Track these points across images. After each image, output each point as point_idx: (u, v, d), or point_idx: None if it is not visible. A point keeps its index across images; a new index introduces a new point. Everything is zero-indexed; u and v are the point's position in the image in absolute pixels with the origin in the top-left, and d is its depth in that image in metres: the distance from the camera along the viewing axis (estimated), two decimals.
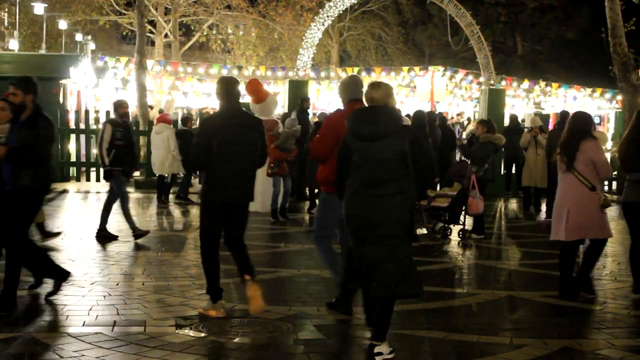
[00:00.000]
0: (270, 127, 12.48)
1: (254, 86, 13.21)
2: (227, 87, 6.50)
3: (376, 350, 5.44)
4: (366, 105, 5.76)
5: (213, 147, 6.30)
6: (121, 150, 10.29)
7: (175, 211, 14.12)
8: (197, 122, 18.17)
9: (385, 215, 5.30)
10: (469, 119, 29.69)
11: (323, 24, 31.56)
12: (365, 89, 5.88)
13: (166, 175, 15.03)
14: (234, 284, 7.85)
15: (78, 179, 18.06)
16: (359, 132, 5.46)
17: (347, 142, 5.53)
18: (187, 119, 16.05)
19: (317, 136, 6.61)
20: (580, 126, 7.60)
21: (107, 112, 19.30)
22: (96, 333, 5.88)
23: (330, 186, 6.17)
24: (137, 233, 10.28)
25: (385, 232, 5.30)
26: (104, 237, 10.23)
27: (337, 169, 5.64)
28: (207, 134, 6.36)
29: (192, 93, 29.85)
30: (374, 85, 5.71)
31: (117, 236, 10.30)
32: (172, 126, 15.13)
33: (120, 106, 10.71)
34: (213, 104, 29.55)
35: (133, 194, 16.15)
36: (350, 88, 6.57)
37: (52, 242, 10.00)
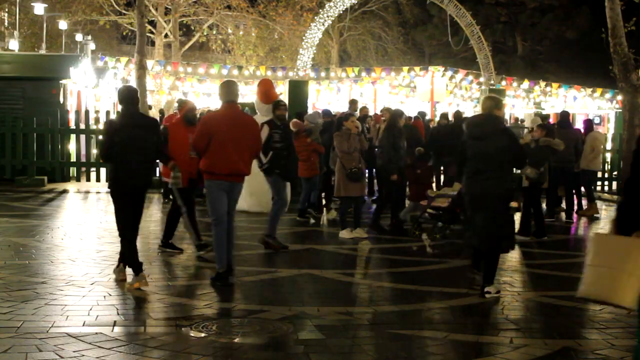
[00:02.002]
0: (301, 127, 12.60)
1: (266, 87, 13.23)
2: (128, 94, 7.64)
3: (486, 289, 7.39)
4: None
5: (115, 144, 7.40)
6: (279, 153, 9.92)
7: None
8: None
9: (488, 192, 7.25)
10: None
11: (323, 24, 31.60)
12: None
13: None
14: (235, 284, 7.85)
15: (78, 179, 18.06)
16: (471, 133, 7.39)
17: (464, 141, 7.54)
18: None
19: (196, 133, 7.93)
20: None
21: (107, 112, 19.30)
22: (96, 333, 5.88)
23: (209, 174, 7.70)
24: (270, 240, 9.98)
25: (488, 204, 7.26)
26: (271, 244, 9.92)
27: (457, 161, 7.71)
28: (110, 133, 7.55)
29: (192, 93, 29.85)
30: (486, 99, 7.76)
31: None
32: None
33: (277, 107, 10.26)
34: (213, 104, 29.56)
35: None
36: (227, 91, 7.91)
37: (52, 243, 10.01)
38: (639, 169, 4.08)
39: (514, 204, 7.91)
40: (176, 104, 9.36)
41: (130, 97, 7.59)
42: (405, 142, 11.85)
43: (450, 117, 16.59)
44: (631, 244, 3.85)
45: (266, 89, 13.12)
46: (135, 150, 7.43)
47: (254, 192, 12.85)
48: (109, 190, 7.85)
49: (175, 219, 9.56)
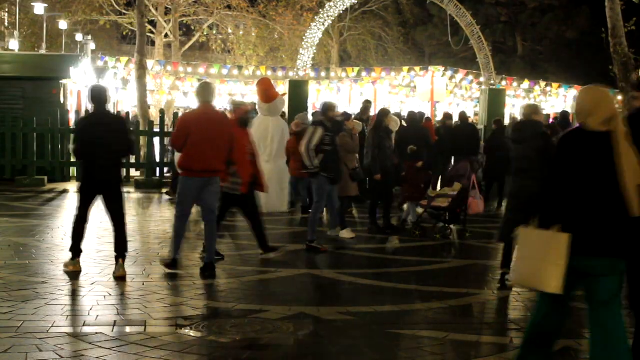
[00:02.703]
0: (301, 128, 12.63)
1: (265, 86, 13.25)
2: (98, 94, 8.14)
3: (507, 277, 7.86)
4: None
5: (84, 141, 7.97)
6: (330, 156, 9.93)
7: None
8: None
9: (531, 190, 7.37)
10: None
11: (323, 24, 31.58)
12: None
13: None
14: (235, 284, 7.85)
15: (78, 179, 18.05)
16: (513, 137, 8.08)
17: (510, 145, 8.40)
18: None
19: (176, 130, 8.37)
20: None
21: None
22: (96, 333, 5.88)
23: (186, 171, 8.07)
24: (313, 244, 9.89)
25: (526, 200, 7.42)
26: (313, 248, 9.85)
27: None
28: (79, 131, 8.20)
29: (192, 93, 29.84)
30: (526, 106, 8.61)
31: (325, 249, 9.86)
32: None
33: (329, 109, 10.20)
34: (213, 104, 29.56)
35: (133, 194, 16.17)
36: (204, 92, 8.31)
37: (53, 242, 10.01)
38: (556, 169, 4.55)
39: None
40: (229, 106, 9.06)
41: (99, 97, 8.07)
42: (392, 142, 11.81)
43: (456, 118, 16.61)
44: (551, 237, 4.36)
45: (265, 88, 13.15)
46: (103, 148, 7.88)
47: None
48: (78, 185, 8.45)
49: (259, 224, 9.25)
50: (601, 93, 4.59)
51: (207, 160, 7.97)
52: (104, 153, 7.90)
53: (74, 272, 8.05)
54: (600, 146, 4.40)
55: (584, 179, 4.42)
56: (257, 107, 13.08)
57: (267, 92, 13.06)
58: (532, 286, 4.56)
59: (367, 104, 15.69)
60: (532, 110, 8.24)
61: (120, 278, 7.84)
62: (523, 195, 7.66)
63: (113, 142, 7.97)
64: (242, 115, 9.10)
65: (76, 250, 8.22)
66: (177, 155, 8.73)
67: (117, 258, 8.07)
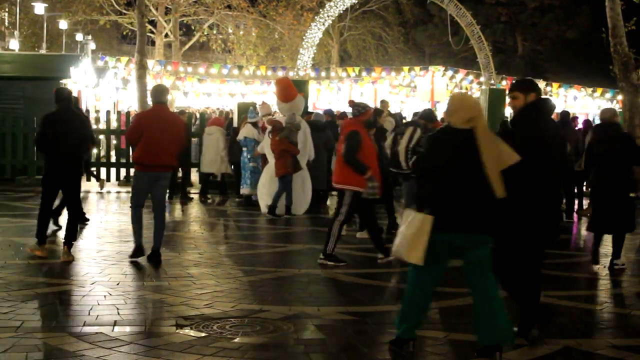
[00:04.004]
0: (276, 125, 12.54)
1: (284, 85, 13.21)
2: (62, 94, 8.98)
3: (614, 262, 8.98)
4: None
5: (49, 136, 8.61)
6: None
7: (191, 210, 14.13)
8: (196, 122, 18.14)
9: (613, 185, 8.78)
10: None
11: (323, 24, 31.60)
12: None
13: (215, 173, 15.51)
14: (235, 284, 7.86)
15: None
16: (597, 137, 8.98)
17: (590, 144, 9.30)
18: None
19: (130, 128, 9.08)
20: None
21: (108, 112, 19.30)
22: (96, 333, 5.88)
23: (139, 166, 8.71)
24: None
25: (613, 194, 8.82)
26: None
27: (585, 161, 9.26)
28: (44, 126, 8.71)
29: (192, 93, 29.87)
30: (605, 110, 9.46)
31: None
32: (222, 128, 15.57)
33: (431, 121, 10.40)
34: (213, 104, 29.57)
35: None
36: (156, 94, 8.91)
37: (53, 242, 10.00)
38: (428, 162, 5.41)
39: (632, 194, 9.03)
40: (354, 110, 8.99)
41: (64, 97, 8.95)
42: (389, 141, 11.78)
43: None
44: (420, 218, 5.24)
45: (284, 88, 13.08)
46: (66, 142, 8.66)
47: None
48: (42, 177, 9.05)
49: (376, 229, 9.25)
50: (463, 97, 5.59)
51: (157, 155, 8.61)
52: (67, 146, 8.67)
53: (68, 263, 8.05)
54: (465, 141, 5.21)
55: (453, 169, 5.22)
56: (277, 107, 13.07)
57: (286, 91, 13.01)
58: (401, 257, 5.39)
59: (383, 104, 15.64)
60: (612, 113, 9.28)
61: (67, 262, 8.53)
62: (607, 188, 8.77)
63: (75, 136, 8.78)
64: (370, 117, 9.15)
65: (42, 237, 8.87)
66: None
67: (64, 245, 8.74)
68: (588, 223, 9.63)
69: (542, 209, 5.72)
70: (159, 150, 8.59)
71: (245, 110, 15.14)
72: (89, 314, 6.45)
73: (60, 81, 18.48)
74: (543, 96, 6.22)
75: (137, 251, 8.76)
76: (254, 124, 14.08)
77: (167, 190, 9.17)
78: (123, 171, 17.47)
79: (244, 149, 14.16)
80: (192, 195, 15.39)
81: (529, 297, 5.85)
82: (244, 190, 14.25)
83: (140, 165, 8.76)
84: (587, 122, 15.67)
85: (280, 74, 28.16)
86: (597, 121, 27.60)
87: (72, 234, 8.82)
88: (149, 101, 21.71)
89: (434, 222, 5.19)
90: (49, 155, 8.84)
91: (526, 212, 5.65)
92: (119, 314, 6.51)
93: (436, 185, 5.28)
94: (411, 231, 5.24)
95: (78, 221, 9.00)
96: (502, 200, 5.18)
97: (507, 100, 7.06)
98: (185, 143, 9.43)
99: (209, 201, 15.05)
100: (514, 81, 6.20)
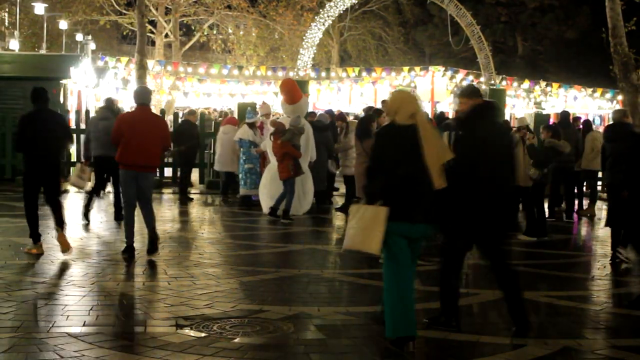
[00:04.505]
0: (279, 128, 12.51)
1: (289, 87, 13.21)
2: (38, 94, 9.20)
3: (620, 250, 9.30)
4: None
5: (28, 136, 8.88)
6: None
7: (192, 210, 14.13)
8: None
9: (624, 184, 8.55)
10: None
11: (323, 24, 31.57)
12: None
13: (234, 172, 15.45)
14: (235, 284, 7.86)
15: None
16: (606, 137, 9.93)
17: (604, 144, 10.09)
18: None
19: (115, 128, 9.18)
20: None
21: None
22: (96, 333, 5.88)
23: (122, 165, 8.97)
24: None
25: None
26: None
27: (601, 160, 10.10)
28: (22, 127, 8.98)
29: (192, 93, 29.84)
30: (616, 111, 10.44)
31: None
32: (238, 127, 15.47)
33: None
34: (213, 104, 29.57)
35: None
36: (139, 96, 9.27)
37: (53, 242, 10.01)
38: (376, 157, 5.71)
39: None
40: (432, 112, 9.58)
41: (39, 97, 9.17)
42: None
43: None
44: (374, 210, 5.49)
45: (289, 89, 13.10)
46: (43, 141, 8.88)
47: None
48: (23, 176, 9.30)
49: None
50: (404, 95, 5.87)
51: (137, 155, 8.89)
52: (45, 145, 8.91)
53: (67, 264, 8.05)
54: (408, 136, 5.56)
55: (399, 163, 5.55)
56: (282, 108, 13.09)
57: (291, 93, 13.02)
58: (358, 249, 5.63)
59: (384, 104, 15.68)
60: (622, 115, 10.06)
61: (65, 247, 8.95)
62: (620, 186, 8.87)
63: (52, 134, 9.02)
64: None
65: (35, 235, 9.08)
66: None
67: (56, 229, 9.09)
68: (606, 219, 9.98)
69: (481, 206, 5.98)
70: (139, 150, 8.86)
71: (245, 110, 15.14)
72: (88, 314, 6.45)
73: (60, 81, 18.49)
74: (488, 99, 6.87)
75: (127, 250, 8.93)
76: (251, 125, 14.06)
77: (152, 189, 9.47)
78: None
79: (240, 149, 14.16)
80: (191, 196, 15.39)
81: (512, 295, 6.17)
82: (241, 190, 14.26)
83: (121, 164, 9.04)
84: (586, 122, 15.66)
85: (281, 74, 28.15)
86: (598, 121, 27.64)
87: (61, 220, 9.09)
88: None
89: (389, 212, 5.47)
90: (27, 154, 9.03)
91: (466, 211, 5.98)
92: (119, 314, 6.51)
93: (387, 178, 5.57)
94: (365, 223, 5.49)
95: (62, 210, 9.25)
96: (444, 191, 5.59)
97: (452, 105, 7.26)
98: (168, 145, 9.65)
99: (215, 201, 15.05)
100: (459, 89, 6.81)
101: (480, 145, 5.97)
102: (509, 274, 6.17)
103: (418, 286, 8.02)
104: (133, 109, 9.59)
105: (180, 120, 17.94)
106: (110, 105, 12.53)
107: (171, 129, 18.58)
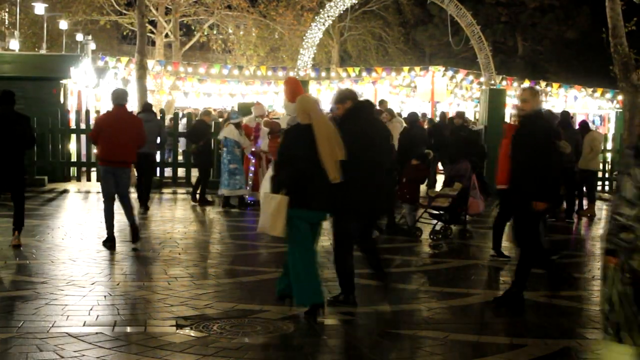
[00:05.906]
0: (275, 128, 12.50)
1: (292, 85, 13.20)
2: (4, 96, 9.65)
3: None
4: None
5: None
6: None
7: (189, 212, 14.12)
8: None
9: None
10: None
11: (324, 24, 31.55)
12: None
13: None
14: (235, 284, 7.86)
15: (79, 179, 18.07)
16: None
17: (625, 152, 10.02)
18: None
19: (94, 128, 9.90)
20: None
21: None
22: (97, 333, 5.88)
23: (100, 161, 9.62)
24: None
25: None
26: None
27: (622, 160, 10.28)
28: None
29: (192, 93, 29.85)
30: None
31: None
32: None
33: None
34: (214, 104, 29.57)
35: (133, 194, 16.13)
36: (116, 96, 9.86)
37: (53, 242, 10.02)
38: (283, 154, 6.52)
39: None
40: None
41: (6, 98, 9.62)
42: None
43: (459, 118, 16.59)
44: (277, 199, 6.30)
45: (292, 88, 13.08)
46: (7, 142, 9.21)
47: None
48: None
49: (500, 228, 9.60)
50: (303, 99, 6.73)
51: (114, 152, 9.45)
52: (9, 147, 9.23)
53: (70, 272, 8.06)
54: (307, 135, 6.33)
55: (301, 158, 6.34)
56: (284, 106, 13.09)
57: (294, 91, 13.02)
58: (266, 232, 6.48)
59: (382, 104, 15.66)
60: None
61: (16, 246, 9.21)
62: None
63: (17, 136, 9.33)
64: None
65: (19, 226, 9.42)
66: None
67: (14, 230, 9.33)
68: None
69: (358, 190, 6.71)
70: (115, 147, 9.43)
71: (245, 110, 15.12)
72: (89, 314, 6.45)
73: (61, 81, 18.48)
74: (362, 99, 7.70)
75: (108, 240, 9.50)
76: (237, 125, 13.96)
77: (129, 183, 9.87)
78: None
79: (224, 149, 14.01)
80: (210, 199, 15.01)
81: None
82: (222, 191, 13.95)
83: (100, 160, 9.68)
84: (583, 123, 15.67)
85: (281, 74, 28.16)
86: (598, 122, 27.67)
87: (20, 221, 9.36)
88: (149, 101, 21.79)
89: (290, 201, 6.25)
90: None
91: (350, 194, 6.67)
92: (119, 314, 6.51)
93: (290, 171, 6.38)
94: (271, 210, 6.30)
95: (23, 211, 9.45)
96: (340, 184, 6.34)
97: (332, 108, 7.61)
98: (142, 144, 10.12)
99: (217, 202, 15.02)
100: (334, 96, 7.39)
101: (356, 140, 6.67)
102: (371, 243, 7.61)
103: (423, 287, 8.06)
104: (110, 110, 10.17)
105: (194, 120, 17.78)
106: (149, 108, 14.19)
107: (179, 127, 18.62)
